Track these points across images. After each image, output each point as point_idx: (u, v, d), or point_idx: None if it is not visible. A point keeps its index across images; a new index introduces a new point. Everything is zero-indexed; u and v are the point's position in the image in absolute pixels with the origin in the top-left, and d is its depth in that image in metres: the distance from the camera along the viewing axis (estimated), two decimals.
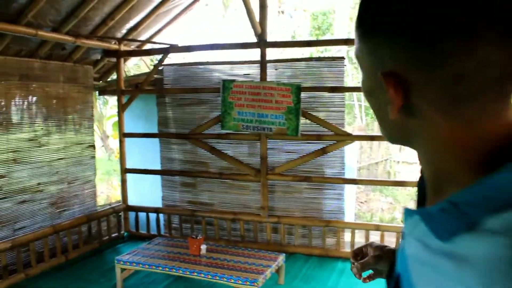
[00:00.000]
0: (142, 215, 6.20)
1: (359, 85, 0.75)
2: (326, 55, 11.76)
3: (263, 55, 5.36)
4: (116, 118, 7.68)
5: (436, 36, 0.47)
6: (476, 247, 0.44)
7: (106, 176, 12.40)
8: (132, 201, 6.35)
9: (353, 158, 7.93)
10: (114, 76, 6.53)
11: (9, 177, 4.94)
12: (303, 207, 5.61)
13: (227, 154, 5.72)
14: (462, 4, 0.46)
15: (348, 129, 5.14)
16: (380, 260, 1.03)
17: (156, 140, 6.21)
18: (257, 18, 5.14)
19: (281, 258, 4.51)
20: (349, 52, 11.79)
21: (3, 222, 4.86)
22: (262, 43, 5.32)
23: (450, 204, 0.48)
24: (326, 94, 5.28)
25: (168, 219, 6.10)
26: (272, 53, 5.68)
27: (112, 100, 12.80)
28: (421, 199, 0.64)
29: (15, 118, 5.05)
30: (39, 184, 5.30)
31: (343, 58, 5.41)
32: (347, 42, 5.43)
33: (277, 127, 5.30)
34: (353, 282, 4.54)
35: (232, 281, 3.97)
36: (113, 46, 5.86)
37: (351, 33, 10.41)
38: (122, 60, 6.08)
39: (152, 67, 6.51)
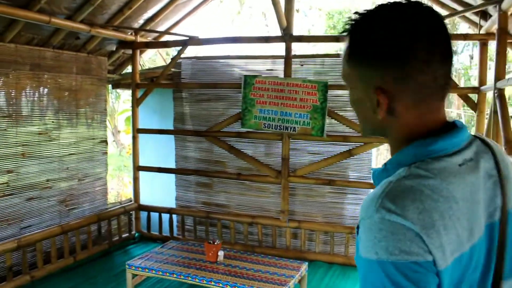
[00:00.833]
0: (155, 215, 5.91)
1: None
2: None
3: (288, 49, 5.05)
4: (129, 113, 7.41)
5: (407, 62, 0.80)
6: (383, 183, 0.80)
7: (117, 172, 12.17)
8: (144, 200, 6.06)
9: (372, 161, 7.60)
10: (129, 69, 6.25)
11: (17, 172, 4.67)
12: (325, 212, 5.28)
13: (246, 154, 5.41)
14: (421, 43, 0.79)
15: None
16: None
17: (171, 137, 5.91)
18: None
19: (304, 267, 4.18)
20: None
21: (10, 220, 4.59)
22: (287, 37, 5.00)
23: (384, 165, 0.88)
24: None
25: (182, 221, 5.80)
26: (296, 49, 5.33)
27: (125, 94, 12.58)
28: None
29: (25, 110, 4.78)
30: (48, 180, 5.03)
31: None
32: None
33: (301, 127, 4.98)
34: None
35: None
36: (129, 37, 5.57)
37: None
38: (138, 52, 5.80)
39: (168, 62, 6.20)
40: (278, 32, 5.05)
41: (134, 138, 5.96)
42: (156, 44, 6.02)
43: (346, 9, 18.27)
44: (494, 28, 4.41)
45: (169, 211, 5.81)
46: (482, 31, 4.56)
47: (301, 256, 5.17)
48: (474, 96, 4.67)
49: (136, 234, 5.98)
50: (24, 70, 4.72)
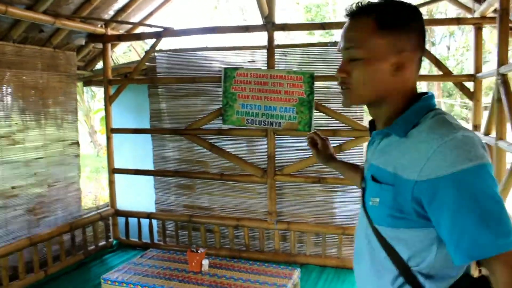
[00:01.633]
0: (133, 220, 5.51)
1: None
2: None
3: (270, 39, 4.70)
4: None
5: (422, 37, 1.14)
6: (416, 132, 1.07)
7: (95, 174, 11.67)
8: (121, 205, 5.66)
9: (363, 156, 7.31)
10: (100, 64, 5.82)
11: None
12: (315, 212, 4.96)
13: (229, 152, 5.05)
14: (424, 28, 1.14)
15: (367, 123, 4.56)
16: (321, 152, 1.80)
17: (148, 136, 5.51)
18: None
19: (297, 273, 3.85)
20: None
21: None
22: (270, 25, 4.66)
23: (402, 118, 1.11)
24: None
25: (162, 226, 5.42)
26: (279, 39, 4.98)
27: (100, 92, 12.07)
28: (370, 134, 1.27)
29: None
30: (13, 187, 4.60)
31: None
32: None
33: (287, 122, 4.65)
34: None
35: None
36: (99, 29, 5.15)
37: None
38: (109, 45, 5.38)
39: (143, 55, 5.79)
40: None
41: (108, 139, 5.54)
42: (128, 36, 5.59)
43: (324, 2, 17.98)
44: (490, 11, 4.15)
45: (149, 215, 5.43)
46: (476, 15, 4.29)
47: (291, 260, 4.86)
48: (470, 86, 4.40)
49: (114, 242, 5.58)
50: None
